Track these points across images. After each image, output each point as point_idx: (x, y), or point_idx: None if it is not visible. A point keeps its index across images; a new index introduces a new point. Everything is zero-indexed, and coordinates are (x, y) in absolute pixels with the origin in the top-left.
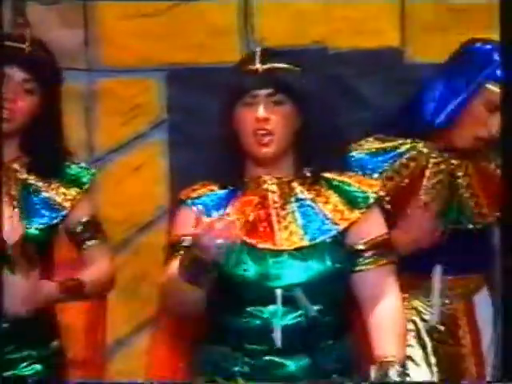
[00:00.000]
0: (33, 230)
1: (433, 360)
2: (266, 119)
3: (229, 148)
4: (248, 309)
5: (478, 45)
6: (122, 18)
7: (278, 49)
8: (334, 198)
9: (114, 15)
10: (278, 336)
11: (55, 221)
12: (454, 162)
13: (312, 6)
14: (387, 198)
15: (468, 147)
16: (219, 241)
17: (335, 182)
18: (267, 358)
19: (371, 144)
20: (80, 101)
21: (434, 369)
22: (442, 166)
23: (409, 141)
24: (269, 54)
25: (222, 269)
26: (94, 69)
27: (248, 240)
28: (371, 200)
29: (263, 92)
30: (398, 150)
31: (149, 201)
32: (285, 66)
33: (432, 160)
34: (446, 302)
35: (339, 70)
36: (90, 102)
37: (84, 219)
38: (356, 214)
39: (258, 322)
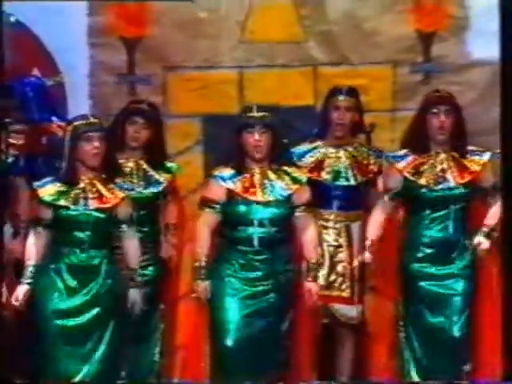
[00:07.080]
0: (149, 194)
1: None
2: (259, 140)
3: (239, 153)
4: (239, 227)
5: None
6: (181, 90)
7: (260, 105)
8: (286, 178)
9: (177, 88)
10: (256, 242)
11: (158, 190)
12: (340, 153)
13: (273, 84)
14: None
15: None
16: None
17: (287, 170)
18: (249, 255)
19: (302, 146)
20: None
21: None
22: (334, 156)
23: (318, 143)
24: (259, 108)
25: (229, 207)
26: (166, 115)
27: (244, 195)
28: (303, 180)
29: (257, 127)
30: (313, 148)
31: (194, 178)
32: (267, 114)
33: (329, 152)
34: (336, 225)
35: (285, 117)
36: (165, 131)
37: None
38: (296, 186)
39: (244, 235)
